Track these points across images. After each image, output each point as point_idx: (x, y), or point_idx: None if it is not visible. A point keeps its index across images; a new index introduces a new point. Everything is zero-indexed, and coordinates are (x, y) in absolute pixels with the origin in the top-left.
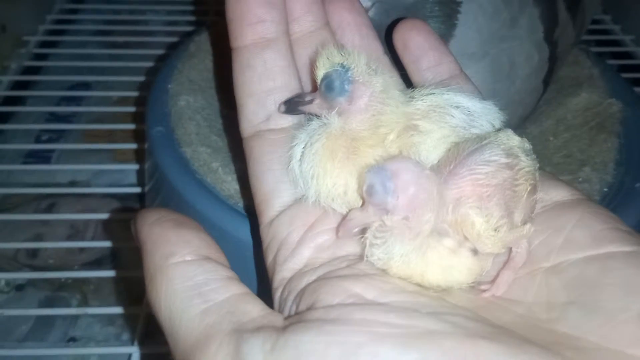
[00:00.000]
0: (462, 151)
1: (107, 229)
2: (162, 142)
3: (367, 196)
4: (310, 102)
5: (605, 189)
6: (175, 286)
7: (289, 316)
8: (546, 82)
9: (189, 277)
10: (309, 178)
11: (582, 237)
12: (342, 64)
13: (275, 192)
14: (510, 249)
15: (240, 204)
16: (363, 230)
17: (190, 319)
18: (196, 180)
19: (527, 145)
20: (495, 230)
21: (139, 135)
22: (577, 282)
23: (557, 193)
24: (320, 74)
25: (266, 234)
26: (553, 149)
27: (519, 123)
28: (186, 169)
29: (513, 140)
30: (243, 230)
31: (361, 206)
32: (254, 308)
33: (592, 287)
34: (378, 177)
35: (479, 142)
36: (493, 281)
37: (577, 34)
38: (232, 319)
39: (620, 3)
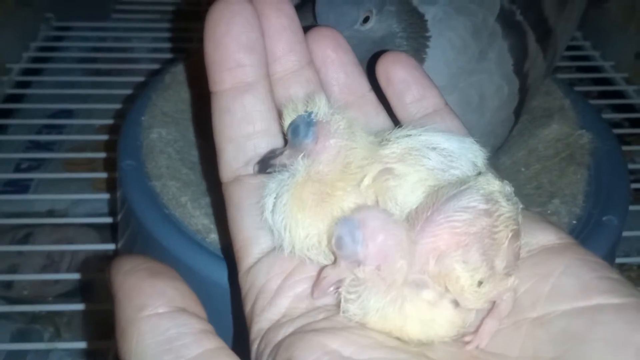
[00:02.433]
0: (441, 197)
1: (83, 259)
2: (132, 175)
3: (337, 249)
4: (281, 154)
5: (574, 222)
6: (146, 341)
7: None
8: (517, 113)
9: (160, 332)
10: (282, 229)
11: (569, 287)
12: (305, 110)
13: (253, 239)
14: None
15: (208, 239)
16: (338, 285)
17: None
18: (163, 215)
19: (509, 189)
20: (479, 284)
21: (110, 165)
22: (564, 337)
23: (544, 237)
24: (287, 125)
25: (244, 282)
26: (524, 179)
27: (491, 153)
28: (154, 204)
29: (493, 184)
30: (210, 267)
31: (333, 262)
32: None
33: (579, 342)
34: (346, 228)
35: (457, 187)
36: (476, 331)
37: (548, 65)
38: None
39: (600, 29)
